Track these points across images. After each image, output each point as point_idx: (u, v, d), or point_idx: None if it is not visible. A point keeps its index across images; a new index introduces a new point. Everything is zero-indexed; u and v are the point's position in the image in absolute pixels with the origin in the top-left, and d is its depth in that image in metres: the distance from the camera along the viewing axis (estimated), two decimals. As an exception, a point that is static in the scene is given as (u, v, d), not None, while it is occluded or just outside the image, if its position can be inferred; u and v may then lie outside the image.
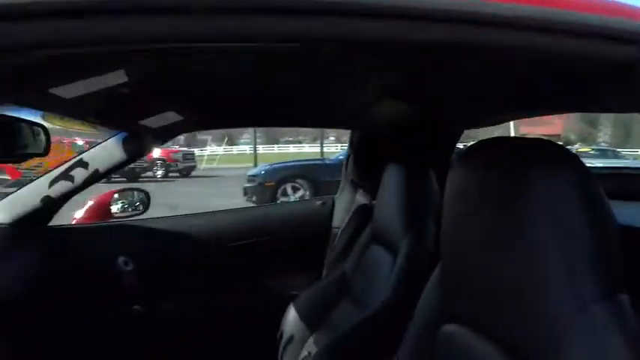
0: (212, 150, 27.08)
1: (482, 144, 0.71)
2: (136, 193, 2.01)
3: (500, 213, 0.63)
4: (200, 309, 1.75)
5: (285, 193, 7.79)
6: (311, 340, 1.57)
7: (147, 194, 2.03)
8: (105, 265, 1.65)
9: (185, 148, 19.90)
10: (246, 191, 8.13)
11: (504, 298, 0.63)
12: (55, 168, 1.58)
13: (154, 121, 1.32)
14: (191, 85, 1.15)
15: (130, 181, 14.91)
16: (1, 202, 1.56)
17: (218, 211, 2.00)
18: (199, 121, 1.52)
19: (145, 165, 15.77)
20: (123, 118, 1.24)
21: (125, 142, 1.55)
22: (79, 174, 1.58)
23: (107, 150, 1.57)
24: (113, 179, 14.53)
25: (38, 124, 1.04)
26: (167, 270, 1.75)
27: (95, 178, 1.58)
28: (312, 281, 1.73)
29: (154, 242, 1.78)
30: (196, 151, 22.79)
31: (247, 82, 1.15)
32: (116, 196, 1.93)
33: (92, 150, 1.60)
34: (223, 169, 18.75)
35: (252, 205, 7.01)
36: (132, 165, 15.29)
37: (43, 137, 1.05)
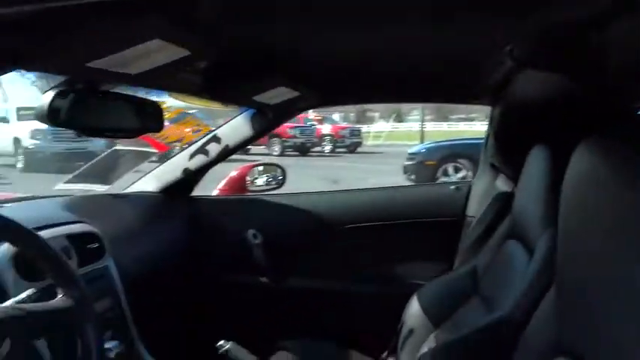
0: (379, 127, 27.30)
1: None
2: (273, 168, 2.06)
3: None
4: (322, 288, 1.73)
5: (445, 173, 7.43)
6: (432, 336, 1.44)
7: (283, 170, 2.07)
8: (236, 237, 1.73)
9: (352, 125, 20.44)
10: (405, 169, 7.98)
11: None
12: (194, 142, 1.70)
13: (270, 98, 1.31)
14: (302, 60, 1.10)
15: (301, 155, 16.01)
16: (151, 174, 1.73)
17: (352, 189, 1.95)
18: (318, 98, 1.47)
19: (315, 140, 16.71)
20: (236, 94, 1.25)
21: (252, 119, 1.58)
22: (213, 149, 1.67)
23: (236, 126, 1.63)
24: (286, 152, 15.80)
25: (152, 101, 1.08)
26: (293, 246, 1.76)
27: (226, 153, 1.65)
28: (440, 273, 1.57)
29: (283, 217, 1.81)
30: (364, 127, 23.24)
31: (373, 55, 1.05)
32: (253, 170, 2.00)
33: (224, 126, 1.67)
34: (388, 146, 18.81)
35: (411, 183, 6.87)
36: (303, 140, 16.39)
37: (157, 114, 1.09)
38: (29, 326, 0.71)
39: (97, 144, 10.10)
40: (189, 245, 1.68)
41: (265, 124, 1.60)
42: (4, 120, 10.57)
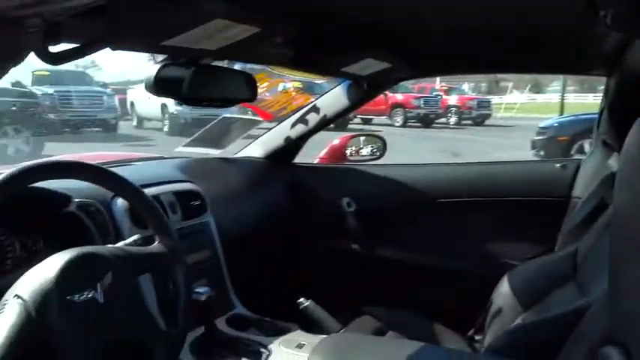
0: (513, 98, 25.39)
1: None
2: (374, 139, 2.09)
3: None
4: (413, 260, 1.74)
5: (581, 150, 6.73)
6: (520, 319, 1.39)
7: (384, 142, 2.09)
8: (331, 204, 1.81)
9: (481, 96, 19.32)
10: (534, 144, 7.37)
11: None
12: (295, 111, 1.79)
13: (360, 69, 1.33)
14: (386, 31, 1.09)
15: (424, 126, 15.65)
16: (257, 141, 1.87)
17: (450, 163, 1.90)
18: (410, 69, 1.44)
19: (439, 112, 16.18)
20: (323, 65, 1.29)
21: (348, 90, 1.62)
22: (313, 118, 1.74)
23: (334, 97, 1.68)
24: (409, 124, 15.55)
25: (247, 73, 1.18)
26: (386, 216, 1.79)
27: (324, 122, 1.72)
28: (536, 255, 1.49)
29: (378, 187, 1.83)
30: (495, 98, 21.84)
31: (463, 21, 1.02)
32: (354, 140, 2.05)
33: (323, 97, 1.73)
34: (520, 119, 17.46)
35: (539, 159, 6.36)
36: (426, 111, 15.92)
37: (251, 85, 1.18)
38: (129, 265, 0.85)
39: (232, 110, 10.96)
40: (287, 209, 1.80)
41: (361, 95, 1.63)
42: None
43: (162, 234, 0.93)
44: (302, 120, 1.76)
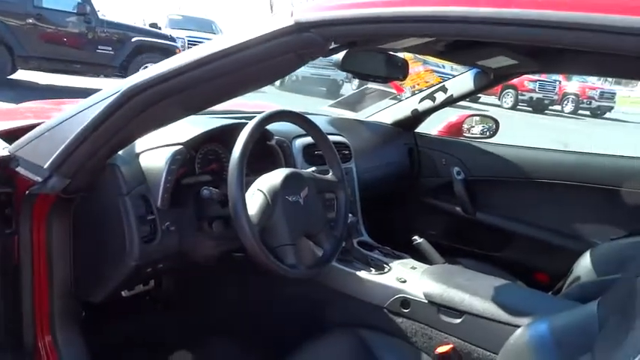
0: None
1: None
2: (488, 120, 2.36)
3: None
4: (507, 227, 2.03)
5: None
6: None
7: (497, 123, 2.36)
8: (444, 170, 2.15)
9: (606, 86, 17.81)
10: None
11: None
12: (425, 89, 2.12)
13: (491, 63, 1.62)
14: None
15: (535, 111, 14.94)
16: (388, 109, 2.24)
17: (555, 149, 2.09)
18: (537, 66, 1.67)
19: (555, 98, 15.31)
20: (462, 58, 1.60)
21: (475, 77, 1.92)
22: (439, 96, 2.06)
23: (462, 81, 1.98)
24: (519, 107, 14.89)
25: (400, 57, 1.53)
26: (489, 187, 2.08)
27: (449, 101, 2.04)
28: (619, 237, 1.71)
29: (486, 162, 2.12)
30: (623, 90, 20.03)
31: None
32: (470, 119, 2.34)
33: (452, 80, 2.04)
34: (647, 116, 15.95)
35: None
36: (540, 96, 14.95)
37: (403, 66, 1.53)
38: (316, 185, 1.28)
39: (340, 74, 11.35)
40: (405, 169, 2.17)
41: (486, 82, 1.91)
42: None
43: (335, 167, 1.35)
44: (430, 96, 2.09)
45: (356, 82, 10.58)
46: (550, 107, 15.52)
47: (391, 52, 1.37)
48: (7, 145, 1.13)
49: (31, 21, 7.15)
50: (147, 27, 9.25)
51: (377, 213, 2.09)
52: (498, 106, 14.74)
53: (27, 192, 1.06)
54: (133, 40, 8.00)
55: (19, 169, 1.07)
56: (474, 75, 1.94)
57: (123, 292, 1.50)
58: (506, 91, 15.19)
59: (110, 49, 7.84)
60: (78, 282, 1.18)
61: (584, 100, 15.61)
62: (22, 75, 7.81)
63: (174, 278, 1.77)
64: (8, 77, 7.23)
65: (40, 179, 1.04)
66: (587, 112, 15.58)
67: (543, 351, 0.76)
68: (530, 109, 15.03)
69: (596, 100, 15.52)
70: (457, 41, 1.41)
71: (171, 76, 0.89)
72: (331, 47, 0.87)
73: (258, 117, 1.18)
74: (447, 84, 2.05)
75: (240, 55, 0.86)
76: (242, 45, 0.86)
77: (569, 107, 15.64)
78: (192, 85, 0.90)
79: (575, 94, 15.63)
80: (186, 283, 1.80)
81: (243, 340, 1.65)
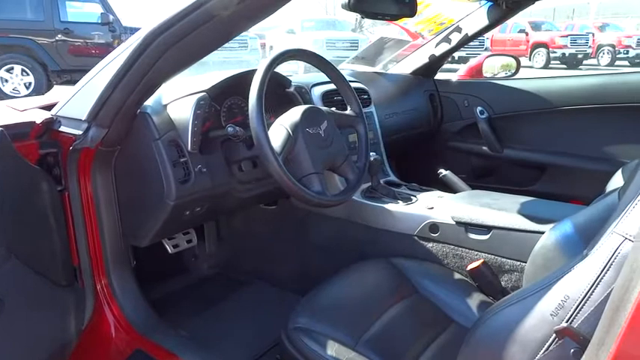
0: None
1: None
2: (507, 58, 2.35)
3: None
4: (534, 159, 2.03)
5: None
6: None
7: (518, 61, 2.34)
8: (467, 112, 2.16)
9: (644, 33, 16.93)
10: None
11: None
12: (440, 33, 2.13)
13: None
14: None
15: (569, 67, 14.36)
16: (405, 59, 2.25)
17: (573, 75, 2.05)
18: None
19: (589, 51, 14.67)
20: None
21: (488, 10, 1.91)
22: (455, 37, 2.07)
23: (475, 17, 1.97)
24: (551, 65, 14.36)
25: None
26: (513, 122, 2.08)
27: (465, 40, 2.03)
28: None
29: (509, 97, 2.11)
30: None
31: None
32: (490, 59, 2.33)
33: (465, 18, 2.03)
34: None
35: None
36: (573, 50, 14.35)
37: (412, 2, 1.55)
38: (335, 119, 1.33)
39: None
40: (427, 113, 2.19)
41: (499, 13, 1.90)
42: (292, 32, 12.61)
43: (353, 103, 1.40)
44: (445, 39, 2.10)
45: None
46: (584, 62, 14.90)
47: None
48: (48, 113, 1.23)
49: (60, 37, 7.47)
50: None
51: (402, 157, 2.12)
52: (529, 67, 14.28)
53: (70, 148, 1.16)
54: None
55: (62, 128, 1.18)
56: (487, 9, 1.93)
57: (168, 248, 1.61)
58: (537, 50, 14.72)
59: (136, 54, 8.06)
60: (125, 227, 1.28)
61: (621, 50, 14.88)
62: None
63: (213, 235, 1.87)
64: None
65: (80, 132, 1.14)
66: (626, 62, 14.86)
67: (569, 247, 0.78)
68: (564, 65, 14.48)
69: (633, 49, 14.78)
70: None
71: (184, 14, 0.95)
72: None
73: (272, 54, 1.25)
74: (460, 23, 2.05)
75: None
76: None
77: (605, 59, 14.94)
78: (208, 20, 0.95)
79: (611, 45, 14.93)
80: (224, 240, 1.90)
81: (281, 282, 1.74)
